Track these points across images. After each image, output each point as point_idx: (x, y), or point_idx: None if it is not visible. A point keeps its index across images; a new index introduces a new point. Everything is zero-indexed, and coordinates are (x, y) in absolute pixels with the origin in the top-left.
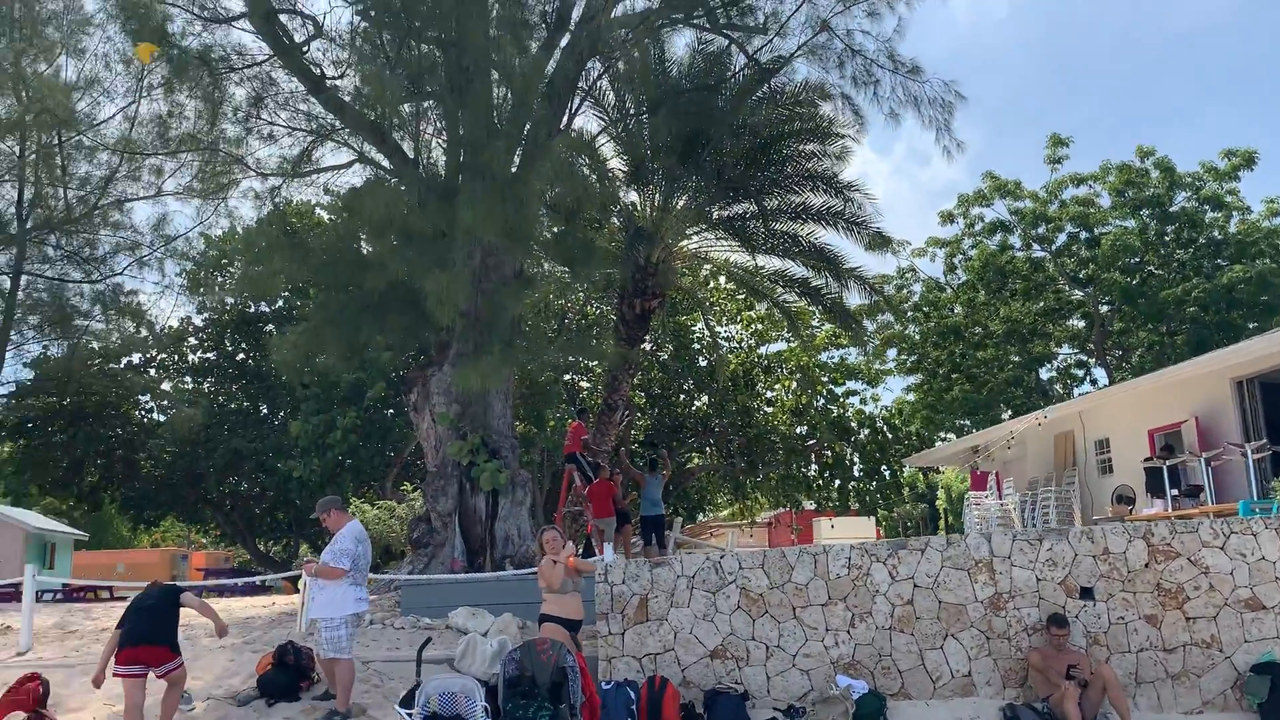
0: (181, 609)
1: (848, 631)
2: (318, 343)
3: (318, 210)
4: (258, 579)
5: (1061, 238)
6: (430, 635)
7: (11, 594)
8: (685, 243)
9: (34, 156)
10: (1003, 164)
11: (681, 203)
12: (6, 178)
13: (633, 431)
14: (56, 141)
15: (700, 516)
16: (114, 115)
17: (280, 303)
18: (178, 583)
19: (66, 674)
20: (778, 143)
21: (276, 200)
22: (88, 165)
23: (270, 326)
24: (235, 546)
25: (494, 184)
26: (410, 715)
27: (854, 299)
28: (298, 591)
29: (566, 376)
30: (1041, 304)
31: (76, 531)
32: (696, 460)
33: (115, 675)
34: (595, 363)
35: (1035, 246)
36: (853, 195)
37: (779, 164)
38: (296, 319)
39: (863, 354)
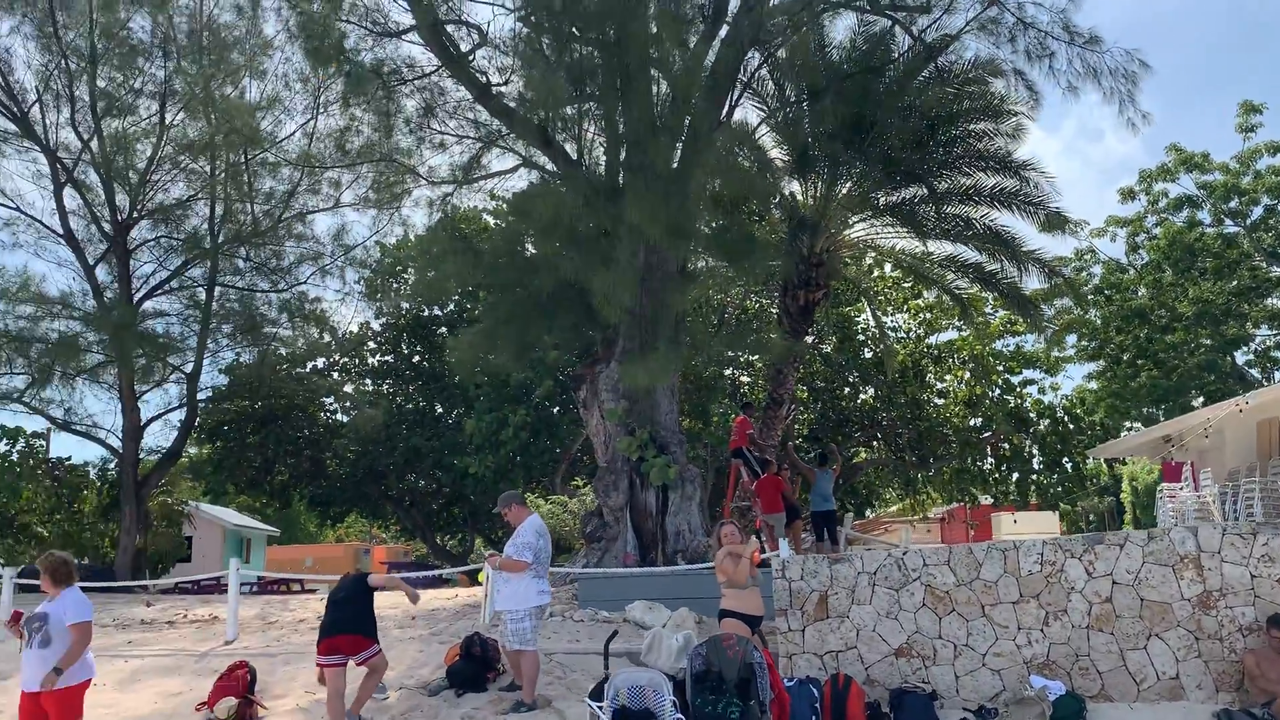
0: (376, 594)
1: (1041, 630)
2: (490, 343)
3: (484, 215)
4: (433, 572)
5: (1257, 211)
6: (616, 629)
7: (214, 586)
8: (849, 231)
9: (223, 175)
10: (1182, 136)
11: (845, 190)
12: (200, 196)
13: (796, 426)
14: (243, 160)
15: (869, 512)
16: (294, 132)
17: (451, 306)
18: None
19: (270, 662)
20: (946, 123)
21: (446, 207)
22: (271, 181)
23: (443, 329)
24: (414, 541)
25: (657, 181)
26: (600, 708)
27: (1031, 283)
28: (474, 585)
29: (727, 372)
30: (1235, 283)
31: (269, 527)
32: (863, 455)
33: (317, 665)
34: (756, 357)
35: (1227, 221)
36: (1028, 174)
37: (948, 145)
38: (468, 321)
39: (1040, 341)
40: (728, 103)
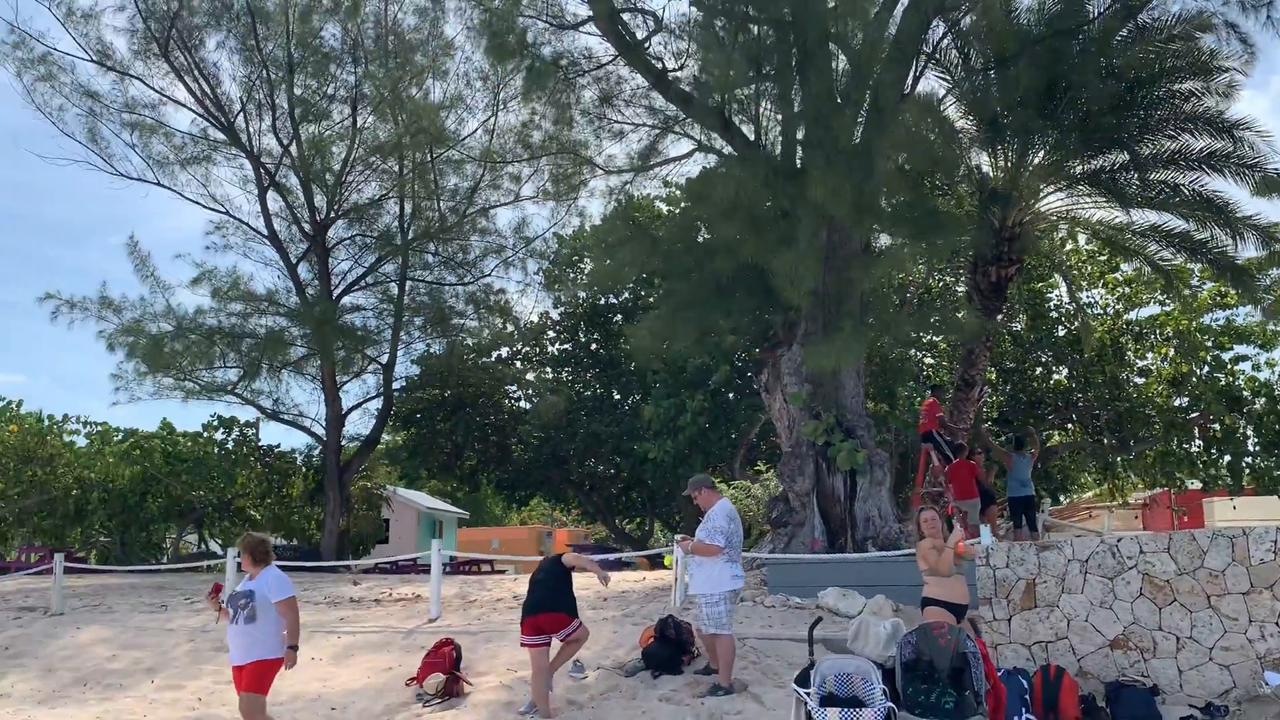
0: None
1: (1276, 624)
2: (669, 329)
3: (657, 203)
4: (614, 555)
5: None
6: (820, 616)
7: (410, 567)
8: (1042, 203)
9: (412, 174)
10: None
11: (1038, 159)
12: (391, 195)
13: (983, 409)
14: (430, 158)
15: (1063, 498)
16: (475, 129)
17: (626, 294)
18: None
19: (472, 640)
20: (1148, 84)
21: (623, 195)
22: (456, 178)
23: (618, 317)
24: (594, 524)
25: (840, 157)
26: (807, 694)
27: (1246, 251)
28: (655, 568)
29: (910, 353)
30: None
31: (459, 510)
32: (1057, 438)
33: (522, 645)
34: (940, 338)
35: None
36: (1241, 134)
37: (1150, 107)
38: (643, 309)
39: (1256, 313)
40: (911, 74)
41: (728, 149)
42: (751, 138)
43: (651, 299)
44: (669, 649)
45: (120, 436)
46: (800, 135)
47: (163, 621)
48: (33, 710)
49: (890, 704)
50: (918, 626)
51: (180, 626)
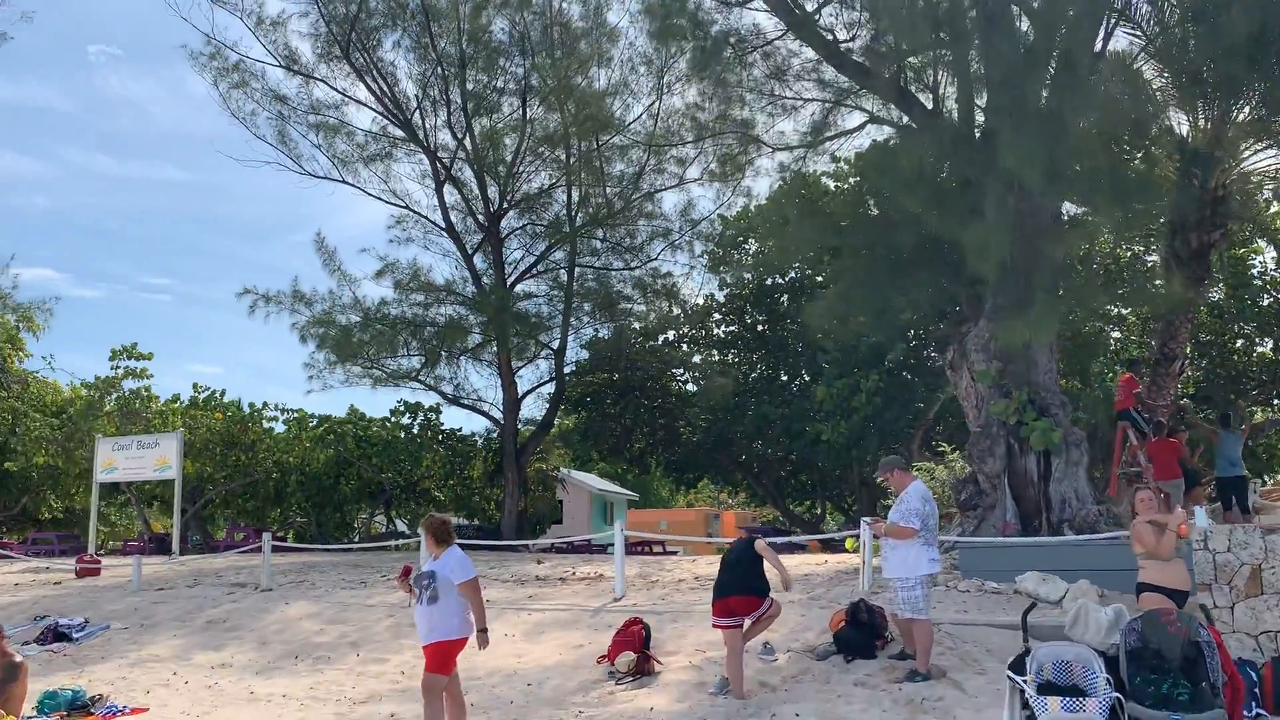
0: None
1: None
2: (846, 307)
3: (824, 179)
4: (781, 539)
5: None
6: (1034, 601)
7: (584, 547)
8: (1247, 162)
9: (579, 162)
10: None
11: (1243, 116)
12: (559, 183)
13: (1181, 384)
14: (596, 146)
15: (1266, 478)
16: (640, 115)
17: (793, 274)
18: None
19: (658, 619)
20: None
21: (790, 173)
22: (622, 164)
23: (785, 298)
24: (763, 507)
25: (1028, 122)
26: (1024, 682)
27: None
28: (822, 551)
29: (1100, 327)
30: None
31: (629, 492)
32: (1262, 415)
33: (714, 626)
34: (1129, 310)
35: None
36: None
37: None
38: (810, 289)
39: None
40: (1102, 33)
41: (904, 120)
42: (929, 106)
43: (819, 278)
44: (862, 633)
45: (315, 422)
46: (982, 102)
47: (363, 598)
48: (251, 680)
49: (1116, 694)
50: (1143, 613)
51: (380, 602)
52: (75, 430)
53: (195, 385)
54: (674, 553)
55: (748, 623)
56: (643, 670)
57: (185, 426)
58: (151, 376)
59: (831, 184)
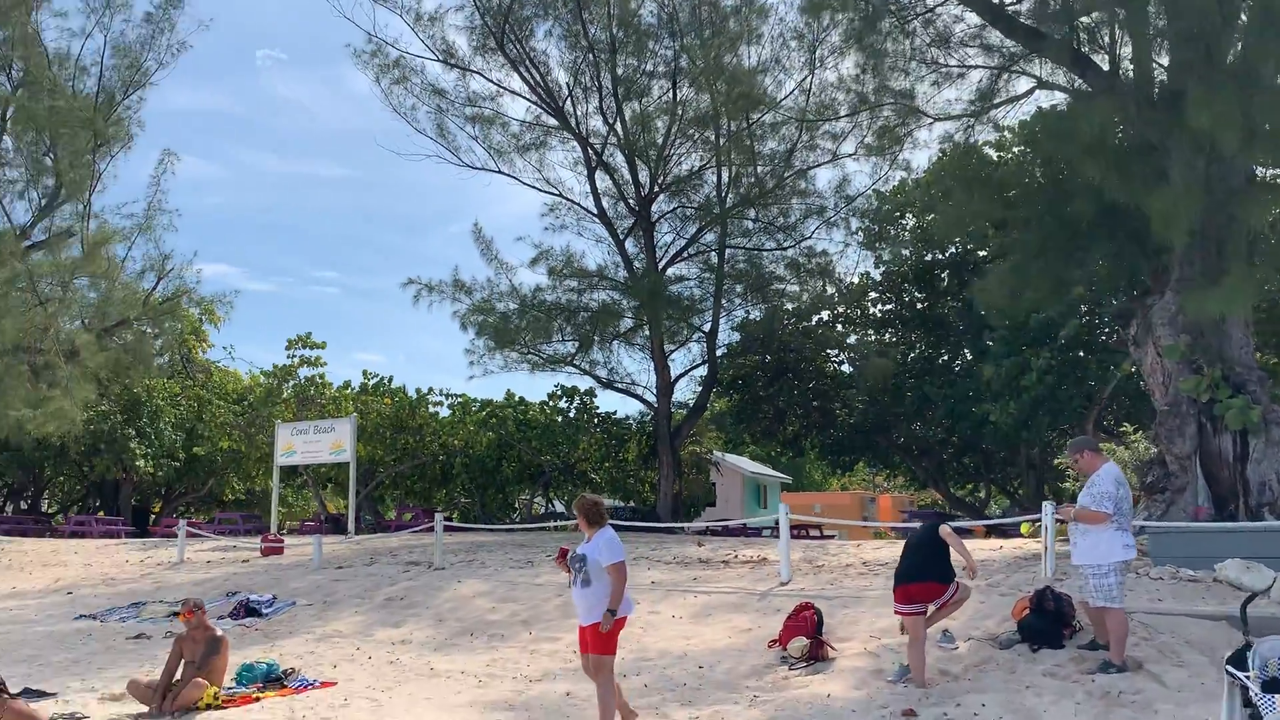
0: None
1: None
2: (1021, 280)
3: (985, 150)
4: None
5: None
6: (1254, 593)
7: (739, 530)
8: None
9: (729, 142)
10: None
11: None
12: (709, 165)
13: None
14: (746, 125)
15: None
16: (791, 91)
17: (953, 249)
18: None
19: (828, 604)
20: None
21: (950, 145)
22: (773, 142)
23: (945, 274)
24: (923, 490)
25: (1220, 79)
26: (1246, 678)
27: None
28: (988, 536)
29: None
30: None
31: (782, 475)
32: None
33: (896, 613)
34: None
35: None
36: None
37: None
38: (972, 264)
39: None
40: None
41: (1076, 83)
42: (1105, 68)
43: (982, 253)
44: (1048, 621)
45: (477, 406)
46: (1162, 61)
47: (531, 577)
48: (430, 656)
49: None
50: None
51: (547, 581)
52: (256, 416)
53: (365, 372)
54: (831, 537)
55: (931, 609)
56: (816, 656)
57: (357, 412)
58: (325, 364)
59: (994, 155)
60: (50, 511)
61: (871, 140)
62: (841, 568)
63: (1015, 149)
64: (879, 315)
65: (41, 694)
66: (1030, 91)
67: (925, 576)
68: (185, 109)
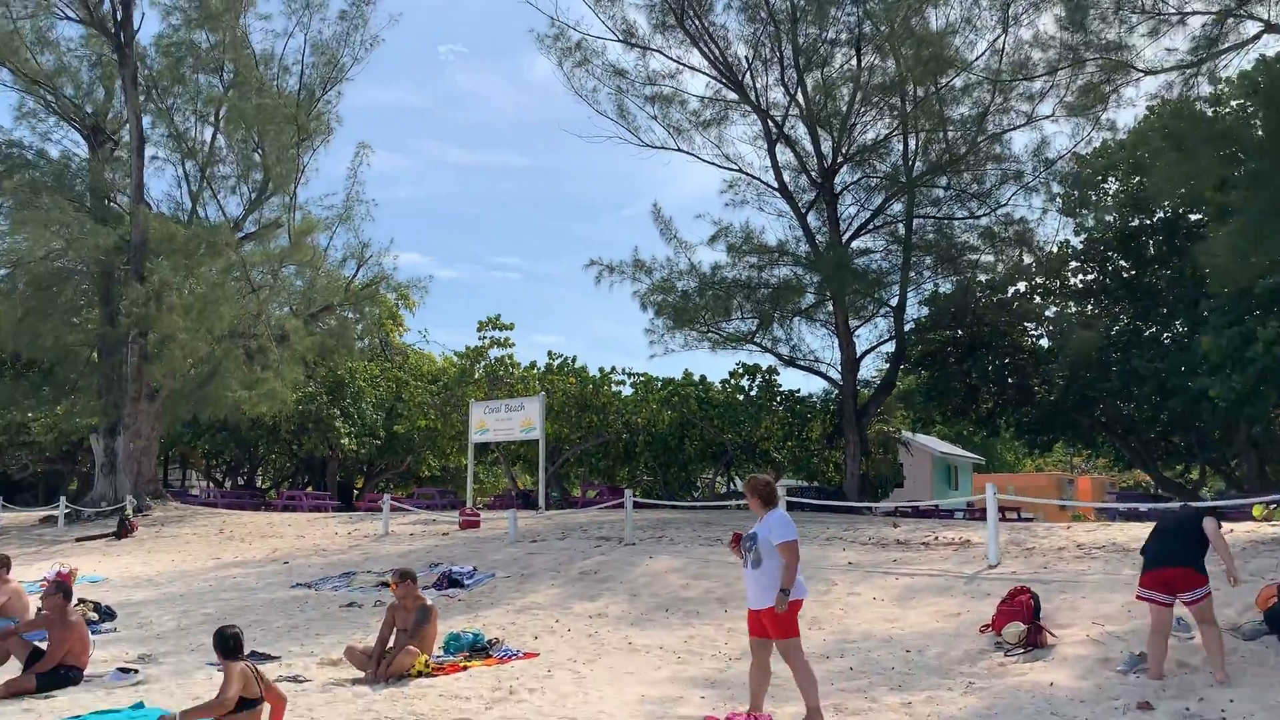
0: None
1: None
2: (1249, 243)
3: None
4: (1145, 506)
5: None
6: None
7: (930, 512)
8: None
9: (915, 109)
10: None
11: None
12: (895, 133)
13: None
14: (934, 89)
15: None
16: (983, 52)
17: (1162, 213)
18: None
19: (1044, 589)
20: None
21: (1161, 100)
22: (964, 107)
23: (1153, 240)
24: (1127, 471)
25: None
26: None
27: None
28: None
29: None
30: None
31: (974, 455)
32: None
33: (1138, 598)
34: None
35: None
36: None
37: None
38: (1184, 229)
39: None
40: None
41: None
42: None
43: (1194, 215)
44: None
45: (659, 385)
46: None
47: (723, 554)
48: (627, 630)
49: None
50: None
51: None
52: (451, 396)
53: (550, 353)
54: (1030, 519)
55: (1178, 602)
56: (1034, 642)
57: (544, 391)
58: (513, 345)
59: (1209, 110)
60: (264, 487)
61: (1073, 99)
62: (1054, 550)
63: (1233, 102)
64: (1079, 285)
65: (266, 657)
66: (1257, 36)
67: (1184, 562)
68: (375, 104)
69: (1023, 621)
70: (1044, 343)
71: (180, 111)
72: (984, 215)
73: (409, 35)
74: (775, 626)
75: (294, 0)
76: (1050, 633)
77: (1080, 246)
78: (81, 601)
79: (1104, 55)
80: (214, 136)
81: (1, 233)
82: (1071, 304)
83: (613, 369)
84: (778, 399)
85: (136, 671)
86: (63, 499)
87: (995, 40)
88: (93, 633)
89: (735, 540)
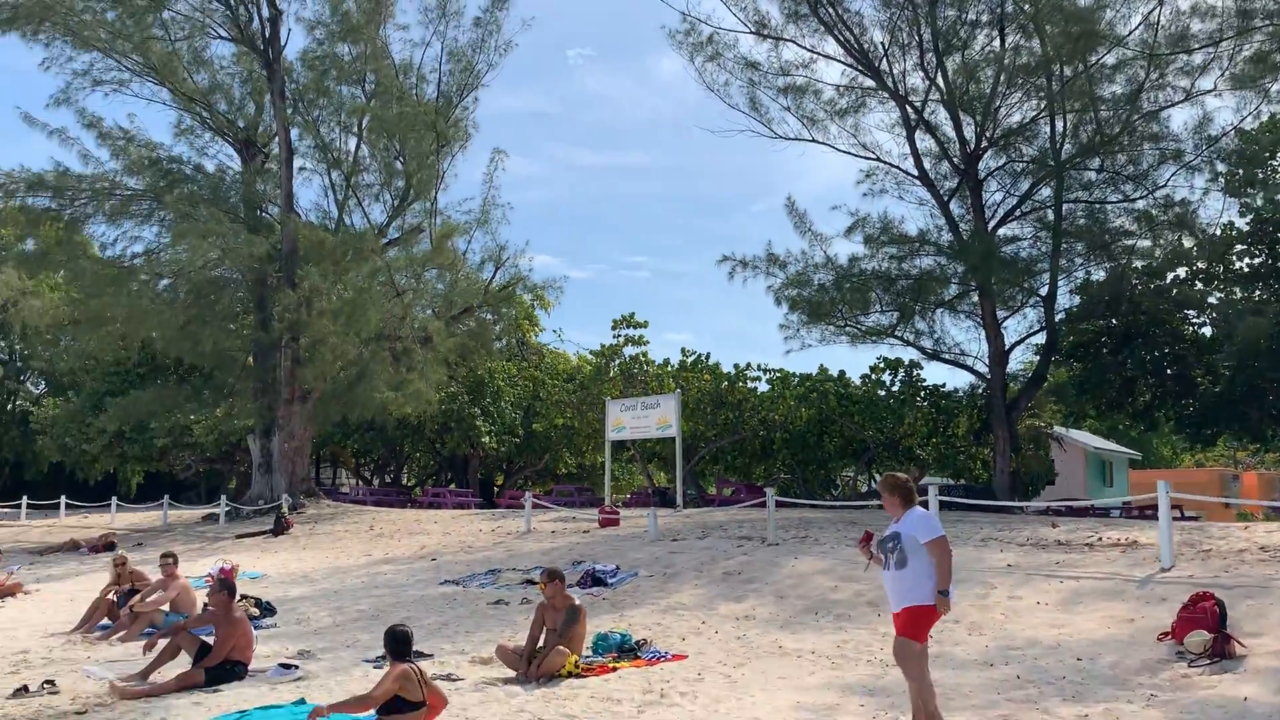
0: None
1: None
2: None
3: None
4: None
5: None
6: None
7: (1084, 511)
8: None
9: (1063, 89)
10: None
11: None
12: (1042, 114)
13: None
14: (1084, 67)
15: None
16: (1136, 26)
17: None
18: None
19: (1227, 595)
20: None
21: None
22: (1116, 84)
23: None
24: None
25: None
26: None
27: None
28: None
29: None
30: None
31: (1130, 451)
32: None
33: None
34: None
35: None
36: None
37: None
38: None
39: None
40: None
41: None
42: None
43: None
44: None
45: (796, 381)
46: None
47: None
48: (777, 633)
49: None
50: None
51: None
52: (587, 394)
53: (684, 350)
54: (1194, 518)
55: None
56: (1220, 653)
57: (679, 388)
58: (648, 343)
59: None
60: (409, 484)
61: (1239, 70)
62: (1233, 553)
63: None
64: (1246, 269)
65: (420, 654)
66: None
67: None
68: (507, 110)
69: (1207, 630)
70: (1207, 331)
71: (325, 123)
72: (1140, 198)
73: (538, 41)
74: (905, 624)
75: (431, 9)
76: (1239, 642)
77: (1246, 228)
78: (244, 598)
79: (1276, 21)
80: (358, 146)
81: (164, 244)
82: (1238, 289)
83: (748, 365)
84: (921, 394)
85: (298, 667)
86: (223, 497)
87: (1150, 13)
88: (255, 628)
89: (865, 539)
